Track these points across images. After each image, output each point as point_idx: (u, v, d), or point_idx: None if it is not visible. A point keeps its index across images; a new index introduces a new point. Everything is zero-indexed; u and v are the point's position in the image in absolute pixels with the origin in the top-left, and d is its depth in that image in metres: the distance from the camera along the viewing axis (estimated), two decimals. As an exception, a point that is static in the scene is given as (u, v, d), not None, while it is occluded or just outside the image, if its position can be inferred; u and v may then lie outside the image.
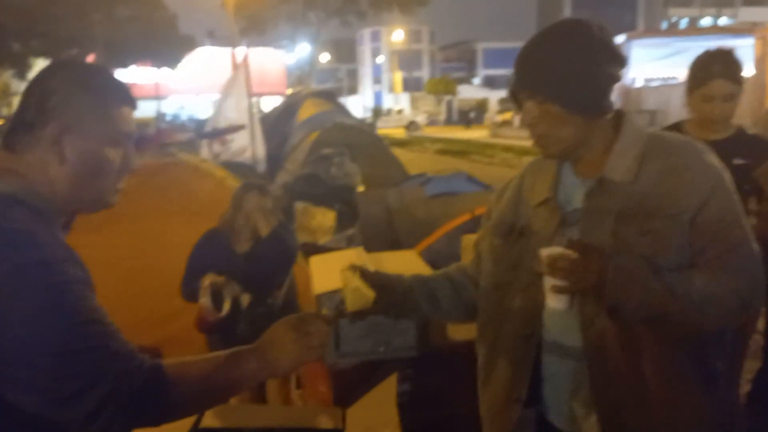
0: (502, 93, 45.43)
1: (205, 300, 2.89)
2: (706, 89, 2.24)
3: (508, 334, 1.45)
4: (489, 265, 1.53)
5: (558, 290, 1.25)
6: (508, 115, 34.47)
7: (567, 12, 70.51)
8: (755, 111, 10.80)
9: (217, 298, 2.95)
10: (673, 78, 27.04)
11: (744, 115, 2.86)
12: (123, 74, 26.67)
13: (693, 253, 1.29)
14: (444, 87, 51.29)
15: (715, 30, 26.05)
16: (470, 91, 55.49)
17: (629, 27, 56.40)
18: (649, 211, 1.30)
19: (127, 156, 1.22)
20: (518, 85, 1.39)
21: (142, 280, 3.34)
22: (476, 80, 64.15)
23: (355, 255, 2.50)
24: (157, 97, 29.42)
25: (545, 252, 1.26)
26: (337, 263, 2.54)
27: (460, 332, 2.26)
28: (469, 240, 2.98)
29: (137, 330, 3.19)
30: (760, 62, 18.41)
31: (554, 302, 1.27)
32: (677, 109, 21.59)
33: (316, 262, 2.43)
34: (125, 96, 1.22)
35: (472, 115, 44.39)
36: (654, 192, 1.31)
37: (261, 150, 7.88)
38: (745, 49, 17.93)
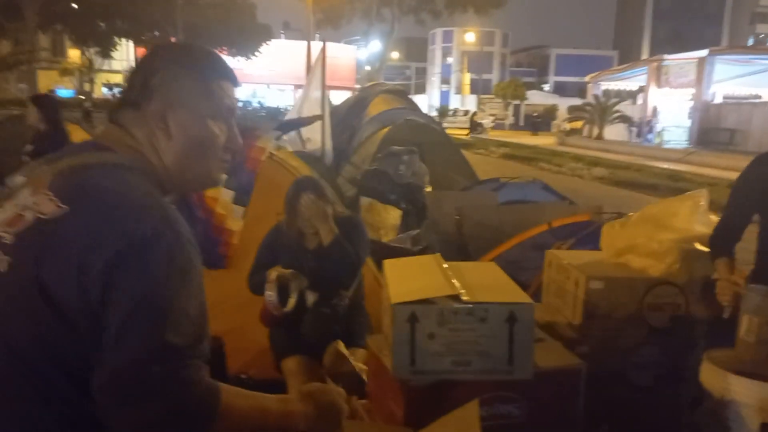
0: (572, 100, 44.32)
1: (270, 294, 2.80)
2: None
3: None
4: None
5: None
6: (577, 124, 33.53)
7: (648, 23, 68.20)
8: None
9: (282, 292, 2.85)
10: (757, 96, 25.81)
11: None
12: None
13: None
14: (513, 91, 50.40)
15: (807, 50, 24.63)
16: (539, 97, 54.34)
17: (713, 41, 54.02)
18: None
19: (231, 130, 1.22)
20: None
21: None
22: (546, 86, 62.80)
23: (434, 262, 2.33)
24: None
25: None
26: (413, 270, 2.39)
27: (548, 359, 2.07)
28: (553, 256, 2.77)
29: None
30: None
31: None
32: (759, 130, 20.60)
33: (391, 267, 2.27)
34: (224, 71, 1.22)
35: (538, 119, 43.33)
36: None
37: (329, 142, 7.80)
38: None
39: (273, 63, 35.58)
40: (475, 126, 39.54)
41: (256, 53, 26.74)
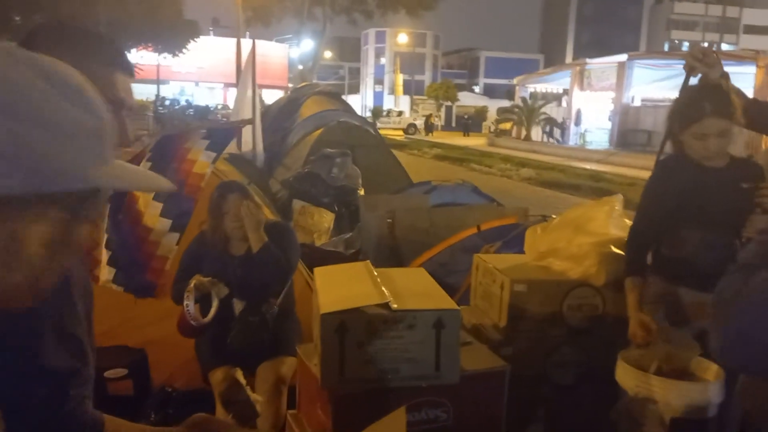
0: (502, 102, 45.45)
1: (187, 303, 2.71)
2: (698, 127, 2.20)
3: None
4: None
5: None
6: (506, 125, 34.46)
7: (571, 28, 70.79)
8: (754, 141, 10.77)
9: (205, 301, 2.79)
10: (672, 100, 27.26)
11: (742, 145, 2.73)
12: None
13: None
14: (444, 92, 51.19)
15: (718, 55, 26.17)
16: (470, 99, 55.44)
17: (632, 47, 56.67)
18: None
19: (122, 126, 1.07)
20: None
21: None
22: (477, 88, 64.14)
23: (364, 269, 2.35)
24: (158, 81, 29.13)
25: None
26: (343, 277, 2.40)
27: (474, 363, 2.13)
28: (480, 260, 2.85)
29: (125, 329, 3.04)
30: (760, 91, 18.42)
31: None
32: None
33: (321, 275, 2.27)
34: (116, 59, 1.08)
35: (469, 121, 44.33)
36: None
37: (261, 144, 7.70)
38: (746, 77, 17.96)
39: (202, 60, 34.77)
40: (430, 127, 40.32)
41: (184, 50, 26.02)
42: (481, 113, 49.42)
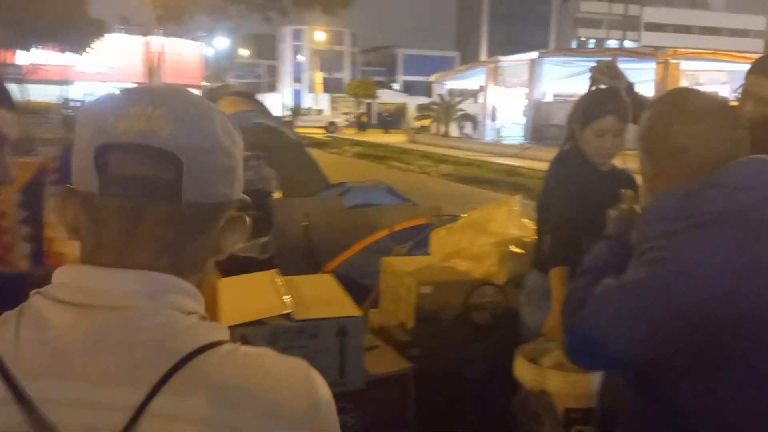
0: (421, 99, 46.09)
1: None
2: (599, 124, 2.32)
3: None
4: None
5: None
6: (426, 122, 34.98)
7: (485, 26, 72.70)
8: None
9: None
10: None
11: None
12: (25, 57, 24.93)
13: None
14: (364, 90, 51.36)
15: (621, 52, 27.59)
16: (389, 96, 55.86)
17: (542, 44, 58.84)
18: None
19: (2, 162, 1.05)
20: None
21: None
22: (396, 85, 64.71)
23: (269, 278, 2.34)
24: (63, 82, 27.73)
25: None
26: (247, 289, 2.38)
27: (380, 366, 2.17)
28: (387, 264, 2.90)
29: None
30: (660, 85, 19.58)
31: None
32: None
33: (225, 287, 2.25)
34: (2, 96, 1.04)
35: (389, 118, 44.83)
36: None
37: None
38: (646, 72, 19.05)
39: (111, 60, 33.32)
40: (363, 125, 40.41)
41: (88, 49, 24.81)
42: (401, 110, 49.91)
